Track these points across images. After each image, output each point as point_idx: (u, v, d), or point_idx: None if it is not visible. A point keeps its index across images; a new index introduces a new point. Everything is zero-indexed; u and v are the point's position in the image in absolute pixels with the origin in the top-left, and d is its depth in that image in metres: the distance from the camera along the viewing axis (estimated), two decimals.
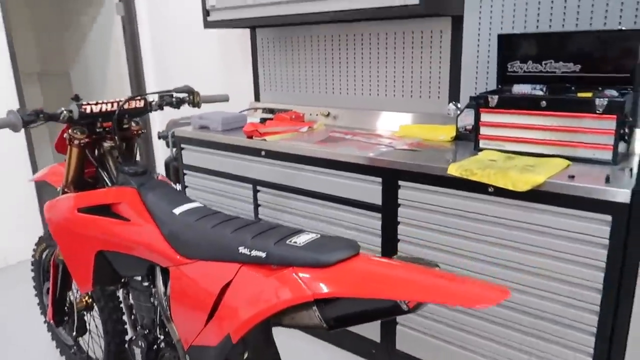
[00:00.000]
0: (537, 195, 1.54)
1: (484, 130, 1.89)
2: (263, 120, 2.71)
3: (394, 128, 2.45)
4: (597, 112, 1.64)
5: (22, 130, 3.23)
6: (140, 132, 1.55)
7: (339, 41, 2.65)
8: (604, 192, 1.41)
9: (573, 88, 1.86)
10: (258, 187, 2.40)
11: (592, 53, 1.82)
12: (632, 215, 1.38)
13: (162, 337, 1.48)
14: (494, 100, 1.84)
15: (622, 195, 1.39)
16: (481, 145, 1.90)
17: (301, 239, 1.06)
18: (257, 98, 3.16)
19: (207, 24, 2.79)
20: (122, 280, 1.54)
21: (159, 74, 3.98)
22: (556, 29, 1.96)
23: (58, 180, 1.68)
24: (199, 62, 3.55)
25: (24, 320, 2.68)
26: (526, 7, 2.01)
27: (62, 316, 1.92)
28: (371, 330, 2.12)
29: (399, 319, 2.00)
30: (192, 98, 1.63)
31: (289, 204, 2.28)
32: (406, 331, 1.99)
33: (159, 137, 3.08)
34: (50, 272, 1.87)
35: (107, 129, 1.49)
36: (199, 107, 1.65)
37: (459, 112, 2.13)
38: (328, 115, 2.72)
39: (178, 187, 2.94)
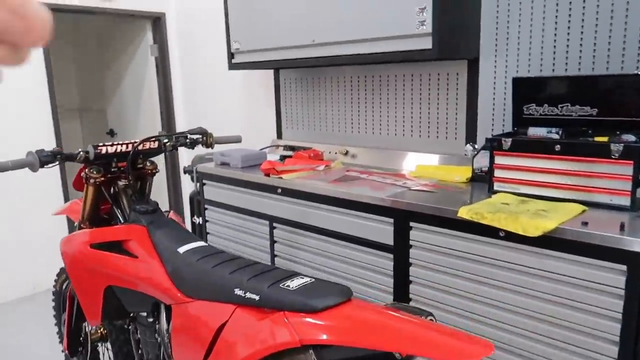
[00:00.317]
0: (549, 241, 1.50)
1: (498, 173, 1.87)
2: (283, 158, 2.76)
3: (411, 168, 2.45)
4: (613, 157, 1.60)
5: (58, 166, 3.41)
6: (154, 171, 1.61)
7: (359, 82, 2.70)
8: (618, 241, 1.37)
9: (590, 132, 1.83)
10: (274, 224, 2.43)
11: (609, 97, 1.79)
12: None
13: None
14: (507, 143, 1.82)
15: (638, 244, 1.34)
16: (495, 187, 1.88)
17: (294, 283, 1.07)
18: (279, 135, 3.23)
19: (232, 66, 2.90)
20: (130, 315, 1.57)
21: (188, 112, 4.13)
22: (572, 72, 1.94)
23: (77, 216, 1.75)
24: (225, 101, 3.67)
25: (45, 348, 2.74)
26: (542, 51, 2.01)
27: (76, 346, 1.96)
28: None
29: None
30: (206, 139, 1.69)
31: (303, 241, 2.29)
32: None
33: (185, 172, 3.18)
34: (67, 303, 1.92)
35: (122, 169, 1.56)
36: (212, 147, 1.71)
37: (475, 153, 2.11)
38: (346, 153, 2.75)
39: (199, 221, 3.00)
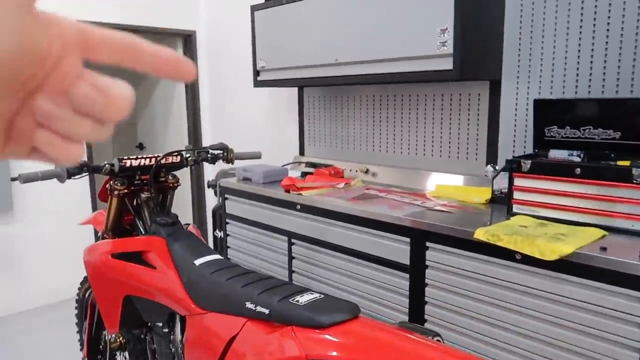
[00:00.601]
0: (566, 266, 1.48)
1: (517, 195, 1.85)
2: (304, 175, 2.79)
3: (430, 187, 2.45)
4: (636, 182, 1.57)
5: (87, 177, 3.52)
6: (175, 185, 1.66)
7: (381, 101, 2.73)
8: (637, 267, 1.34)
9: (612, 155, 1.80)
10: (293, 240, 2.45)
11: (633, 120, 1.76)
12: None
13: None
14: (526, 165, 1.81)
15: None
16: (514, 209, 1.86)
17: (304, 299, 1.08)
18: (301, 152, 3.27)
19: (257, 83, 2.97)
20: (147, 324, 1.61)
21: (214, 127, 4.23)
22: (595, 95, 1.92)
23: (102, 226, 1.82)
24: (250, 117, 3.75)
25: (66, 355, 2.81)
26: (564, 73, 2.00)
27: (96, 354, 2.01)
28: None
29: None
30: (226, 154, 1.73)
31: (321, 258, 2.31)
32: None
33: (208, 186, 3.24)
34: (88, 311, 1.98)
35: (145, 181, 1.61)
36: (232, 163, 1.75)
37: (495, 174, 2.10)
38: (367, 171, 2.77)
39: (221, 235, 3.05)
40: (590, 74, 1.93)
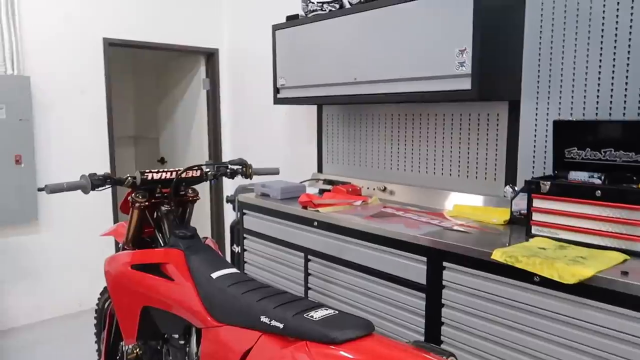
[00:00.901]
0: (586, 290, 1.45)
1: (536, 217, 1.83)
2: (321, 192, 2.80)
3: (448, 207, 2.44)
4: None
5: (110, 189, 3.59)
6: (195, 198, 1.69)
7: (399, 119, 2.74)
8: None
9: (634, 178, 1.77)
10: (309, 256, 2.46)
11: None
12: None
13: None
14: (546, 186, 1.80)
15: None
16: (533, 231, 1.84)
17: (318, 314, 1.09)
18: (319, 169, 3.29)
19: (277, 101, 3.02)
20: (164, 336, 1.62)
21: (234, 143, 4.29)
22: (617, 117, 1.91)
23: (122, 238, 1.85)
24: (270, 134, 3.80)
25: None
26: (585, 94, 1.99)
27: None
28: None
29: None
30: (245, 170, 1.76)
31: (336, 275, 2.30)
32: None
33: (227, 201, 3.28)
34: (107, 322, 2.01)
35: (165, 194, 1.65)
36: (250, 178, 1.78)
37: (514, 195, 2.09)
38: (384, 190, 2.77)
39: (238, 250, 3.07)
40: (611, 95, 1.92)
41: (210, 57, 4.23)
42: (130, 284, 1.54)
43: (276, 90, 3.01)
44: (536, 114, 2.15)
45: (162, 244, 1.64)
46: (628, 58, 1.86)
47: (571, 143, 1.95)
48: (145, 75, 5.47)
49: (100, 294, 2.26)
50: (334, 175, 3.12)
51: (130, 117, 5.80)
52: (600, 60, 1.94)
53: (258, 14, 3.87)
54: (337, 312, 1.11)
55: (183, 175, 1.64)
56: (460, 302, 1.79)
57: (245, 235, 2.93)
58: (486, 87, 2.02)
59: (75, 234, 3.62)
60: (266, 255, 2.76)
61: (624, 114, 1.89)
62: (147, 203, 1.62)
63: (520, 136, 2.21)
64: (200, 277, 1.39)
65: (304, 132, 3.45)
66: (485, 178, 2.36)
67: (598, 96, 1.95)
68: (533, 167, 2.18)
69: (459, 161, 2.47)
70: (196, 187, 1.77)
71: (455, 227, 2.03)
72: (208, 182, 1.76)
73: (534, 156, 2.17)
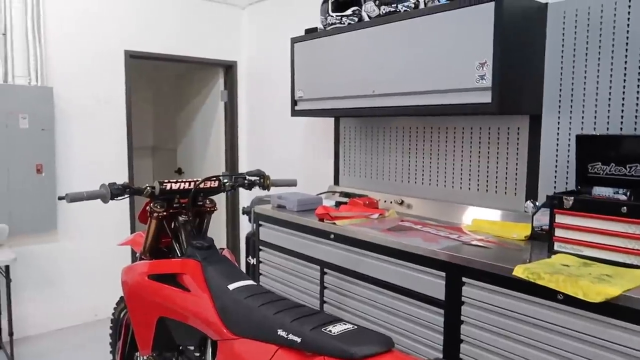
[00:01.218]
0: (613, 309, 1.40)
1: (558, 232, 1.79)
2: (338, 204, 2.79)
3: (467, 221, 2.40)
4: None
5: (128, 199, 3.63)
6: (212, 209, 1.68)
7: (417, 132, 2.72)
8: None
9: None
10: (325, 269, 2.44)
11: None
12: None
13: None
14: (569, 202, 1.76)
15: None
16: (555, 247, 1.80)
17: (336, 329, 1.07)
18: (336, 182, 3.28)
19: (294, 113, 3.02)
20: (179, 348, 1.61)
21: (251, 154, 4.31)
22: None
23: (140, 247, 1.86)
24: (287, 146, 3.80)
25: None
26: (609, 108, 1.95)
27: None
28: None
29: None
30: (263, 181, 1.76)
31: (353, 288, 2.28)
32: None
33: (243, 213, 3.28)
34: (122, 332, 2.01)
35: (183, 205, 1.65)
36: (268, 189, 1.77)
37: (535, 210, 2.04)
38: (402, 203, 2.74)
39: (253, 261, 3.06)
40: (637, 110, 1.87)
41: (229, 69, 4.27)
42: (146, 294, 1.54)
43: (294, 103, 3.02)
44: (558, 128, 2.12)
45: (179, 255, 1.64)
46: None
47: (595, 158, 1.90)
48: (165, 87, 5.55)
49: (117, 303, 2.26)
50: (351, 188, 3.11)
51: (149, 128, 5.88)
52: (625, 74, 1.90)
53: (277, 27, 3.90)
54: (356, 327, 1.09)
55: (201, 185, 1.64)
56: (480, 319, 1.75)
57: (260, 247, 2.92)
58: (507, 101, 1.99)
59: (94, 243, 3.65)
60: (282, 267, 2.74)
61: None
62: (165, 213, 1.62)
63: (542, 150, 2.17)
64: (217, 288, 1.38)
65: (321, 144, 3.45)
66: (505, 193, 2.32)
67: (622, 110, 1.91)
68: (555, 182, 2.13)
69: (478, 175, 2.43)
70: (213, 197, 1.77)
71: (475, 242, 1.99)
72: (225, 193, 1.76)
73: (555, 171, 2.13)
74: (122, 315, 2.24)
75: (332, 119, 3.29)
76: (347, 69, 2.61)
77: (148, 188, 1.58)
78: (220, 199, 4.29)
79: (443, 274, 1.88)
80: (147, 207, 1.66)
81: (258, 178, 1.77)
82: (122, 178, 3.70)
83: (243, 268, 3.64)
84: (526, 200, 2.20)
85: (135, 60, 3.81)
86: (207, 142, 4.53)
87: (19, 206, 3.21)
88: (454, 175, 2.55)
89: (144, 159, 5.78)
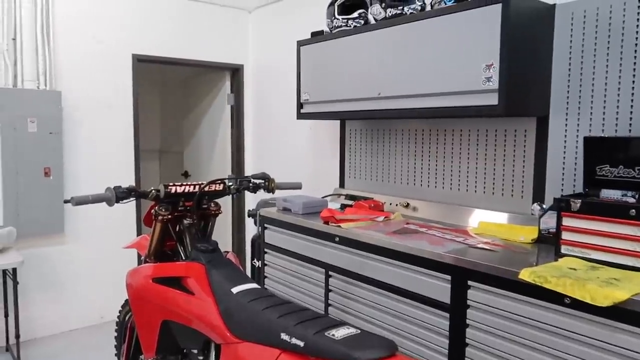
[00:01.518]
0: (621, 314, 1.38)
1: (566, 235, 1.77)
2: (343, 207, 2.78)
3: (473, 224, 2.38)
4: None
5: (134, 202, 3.64)
6: (217, 212, 1.68)
7: (423, 135, 2.71)
8: None
9: None
10: (330, 272, 2.43)
11: None
12: None
13: None
14: (576, 204, 1.74)
15: None
16: (562, 251, 1.78)
17: (340, 333, 1.06)
18: (341, 184, 3.27)
19: (300, 115, 3.02)
20: (183, 351, 1.61)
21: (257, 157, 4.31)
22: None
23: (145, 250, 1.86)
24: (293, 148, 3.80)
25: None
26: (617, 110, 1.93)
27: None
28: None
29: None
30: (268, 184, 1.76)
31: (357, 292, 2.27)
32: None
33: (248, 215, 3.27)
34: (127, 334, 2.01)
35: (188, 208, 1.65)
36: (273, 192, 1.77)
37: (542, 213, 2.02)
38: (407, 206, 2.73)
39: (259, 264, 3.05)
40: None
41: (236, 72, 4.29)
42: (150, 297, 1.54)
43: (300, 105, 3.02)
44: (565, 130, 2.10)
45: (184, 258, 1.64)
46: None
47: (603, 160, 1.89)
48: (171, 90, 5.57)
49: (122, 306, 2.27)
50: (356, 191, 3.10)
51: (155, 131, 5.90)
52: (634, 75, 1.88)
53: (283, 30, 3.91)
54: (359, 331, 1.08)
55: (206, 188, 1.64)
56: (486, 323, 1.74)
57: (266, 249, 2.92)
58: (513, 103, 1.98)
59: (100, 246, 3.66)
60: (286, 270, 2.74)
61: None
62: (169, 216, 1.62)
63: (549, 153, 2.15)
64: (221, 291, 1.38)
65: (327, 147, 3.44)
66: (512, 195, 2.31)
67: (631, 112, 1.89)
68: (562, 184, 2.11)
69: (485, 178, 2.41)
70: (219, 201, 1.77)
71: (481, 245, 1.98)
72: (230, 196, 1.76)
73: (562, 173, 2.11)
74: (127, 317, 2.24)
75: (338, 121, 3.29)
76: (353, 71, 2.61)
77: (153, 191, 1.59)
78: (226, 202, 4.30)
79: (448, 277, 1.86)
80: (152, 211, 1.67)
81: (263, 181, 1.77)
82: (129, 181, 3.72)
83: (248, 271, 3.63)
84: (533, 203, 2.18)
85: (143, 64, 3.83)
86: (214, 145, 4.55)
87: (27, 209, 3.23)
88: (460, 178, 2.53)
89: (150, 162, 5.80)
